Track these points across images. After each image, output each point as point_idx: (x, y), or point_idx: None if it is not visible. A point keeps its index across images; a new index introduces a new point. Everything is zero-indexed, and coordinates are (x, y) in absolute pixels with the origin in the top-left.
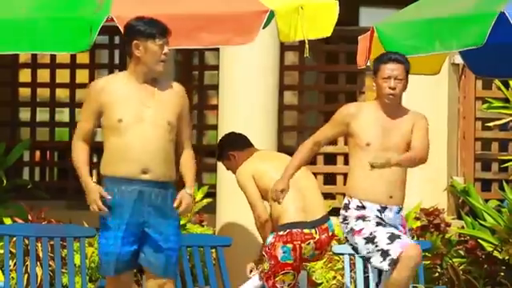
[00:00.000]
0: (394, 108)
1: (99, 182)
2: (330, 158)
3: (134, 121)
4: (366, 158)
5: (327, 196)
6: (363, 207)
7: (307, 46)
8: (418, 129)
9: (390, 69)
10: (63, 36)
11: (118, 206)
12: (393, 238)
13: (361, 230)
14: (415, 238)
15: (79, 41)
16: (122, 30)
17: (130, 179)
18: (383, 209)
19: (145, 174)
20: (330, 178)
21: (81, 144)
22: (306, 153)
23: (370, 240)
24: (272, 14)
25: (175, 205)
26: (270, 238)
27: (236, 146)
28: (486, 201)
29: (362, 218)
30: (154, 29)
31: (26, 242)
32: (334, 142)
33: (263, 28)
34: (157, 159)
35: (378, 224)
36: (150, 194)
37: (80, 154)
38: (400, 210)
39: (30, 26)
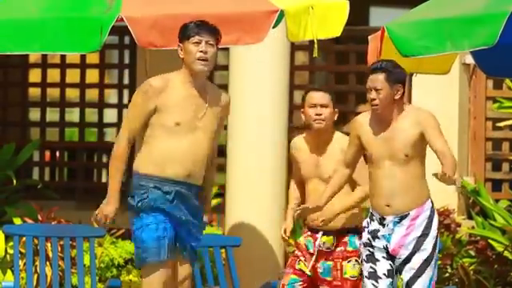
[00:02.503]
0: (388, 116)
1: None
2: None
3: (189, 127)
4: (370, 168)
5: None
6: (372, 215)
7: (317, 45)
8: (431, 132)
9: (370, 80)
10: (73, 36)
11: (164, 199)
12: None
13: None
14: None
15: (90, 41)
16: (131, 30)
17: (175, 181)
18: (383, 218)
19: (189, 177)
20: None
21: (126, 150)
22: (337, 179)
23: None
24: (282, 14)
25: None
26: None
27: None
28: (497, 201)
29: (363, 229)
30: (191, 29)
31: (36, 241)
32: None
33: (273, 28)
34: (201, 165)
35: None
36: (188, 195)
37: (123, 163)
38: (401, 219)
39: (40, 27)
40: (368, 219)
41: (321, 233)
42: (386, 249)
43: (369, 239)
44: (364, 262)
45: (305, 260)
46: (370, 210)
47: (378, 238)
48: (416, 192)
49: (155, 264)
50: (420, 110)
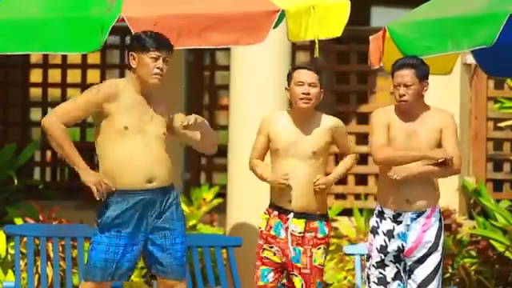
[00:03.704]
0: (414, 111)
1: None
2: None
3: (137, 131)
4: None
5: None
6: (382, 212)
7: (318, 45)
8: (448, 132)
9: (400, 76)
10: (74, 36)
11: (121, 217)
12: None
13: (370, 243)
14: None
15: (90, 41)
16: (132, 30)
17: (136, 190)
18: (398, 215)
19: (150, 182)
20: (361, 179)
21: (63, 127)
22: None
23: (367, 259)
24: (283, 14)
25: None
26: None
27: None
28: (498, 201)
29: (374, 230)
30: (151, 42)
31: (37, 242)
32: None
33: (274, 28)
34: (161, 167)
35: (381, 249)
36: (154, 201)
37: (66, 136)
38: (419, 215)
39: (41, 27)
40: (376, 219)
41: (291, 214)
42: (397, 250)
43: (385, 241)
44: (373, 268)
45: (270, 247)
46: (379, 209)
47: (393, 237)
48: (433, 190)
49: (93, 284)
50: (443, 110)
